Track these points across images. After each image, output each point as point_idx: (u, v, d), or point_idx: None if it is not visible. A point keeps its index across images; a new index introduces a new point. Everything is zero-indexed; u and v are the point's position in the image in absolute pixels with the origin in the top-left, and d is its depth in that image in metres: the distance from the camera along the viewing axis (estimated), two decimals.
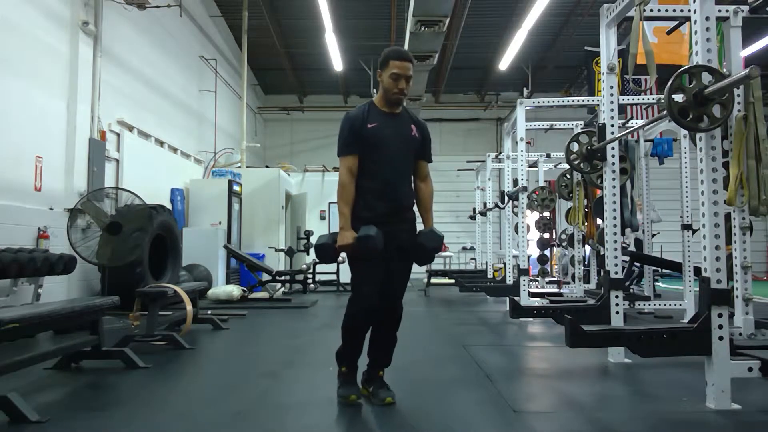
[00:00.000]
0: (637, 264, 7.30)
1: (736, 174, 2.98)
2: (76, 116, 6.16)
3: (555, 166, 9.26)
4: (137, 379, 3.27)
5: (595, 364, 3.65)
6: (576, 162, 4.74)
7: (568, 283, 8.36)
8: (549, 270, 9.57)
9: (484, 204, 9.84)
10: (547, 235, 9.29)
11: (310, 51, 12.86)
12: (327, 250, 2.71)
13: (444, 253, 13.19)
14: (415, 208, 2.87)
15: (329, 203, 11.85)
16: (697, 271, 3.01)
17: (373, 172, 2.70)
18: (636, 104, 8.03)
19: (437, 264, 13.33)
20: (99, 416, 2.57)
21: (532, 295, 6.38)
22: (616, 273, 3.68)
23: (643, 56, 3.27)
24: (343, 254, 2.70)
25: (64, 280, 5.70)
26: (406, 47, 7.92)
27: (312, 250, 10.22)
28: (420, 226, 2.82)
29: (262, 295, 7.94)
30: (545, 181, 9.06)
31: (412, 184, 2.87)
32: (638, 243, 7.39)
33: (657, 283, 10.05)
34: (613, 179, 3.74)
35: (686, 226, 5.55)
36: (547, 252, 9.44)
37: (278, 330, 5.45)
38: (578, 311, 3.86)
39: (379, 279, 2.67)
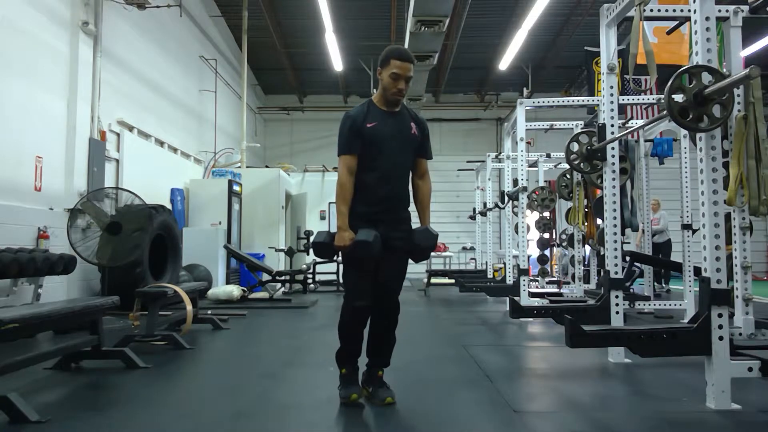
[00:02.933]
0: (637, 265, 7.30)
1: (736, 174, 2.98)
2: (76, 116, 6.17)
3: (555, 166, 9.25)
4: (137, 379, 3.27)
5: (595, 364, 3.65)
6: (576, 162, 4.74)
7: (568, 283, 8.36)
8: (549, 270, 9.56)
9: (484, 204, 9.83)
10: (547, 235, 9.28)
11: (310, 51, 12.85)
12: (324, 249, 2.73)
13: (444, 253, 13.19)
14: (412, 207, 2.87)
15: (329, 203, 11.85)
16: (697, 271, 3.01)
17: (372, 169, 2.71)
18: (636, 104, 8.03)
19: (437, 264, 13.33)
20: (99, 416, 2.57)
21: (532, 295, 6.38)
22: (616, 273, 3.68)
23: (643, 56, 3.27)
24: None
25: (64, 280, 5.70)
26: (406, 47, 7.92)
27: (312, 250, 10.24)
28: (416, 224, 2.82)
29: (262, 295, 7.94)
30: (545, 181, 9.06)
31: (410, 183, 2.88)
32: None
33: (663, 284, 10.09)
34: (613, 179, 3.74)
35: (686, 226, 5.55)
36: (547, 252, 9.43)
37: (278, 330, 5.45)
38: (578, 311, 3.86)
39: (372, 278, 2.69)
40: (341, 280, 2.78)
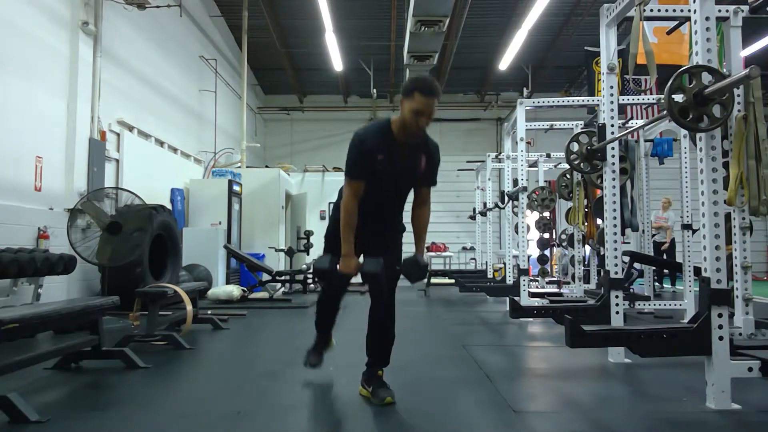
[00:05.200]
0: (636, 266, 7.31)
1: (736, 174, 2.98)
2: (76, 116, 6.16)
3: (555, 166, 9.26)
4: (137, 379, 3.27)
5: (595, 364, 3.65)
6: (576, 162, 4.74)
7: (568, 283, 8.36)
8: (549, 270, 9.56)
9: (484, 204, 9.83)
10: (547, 235, 9.29)
11: (310, 51, 12.85)
12: (327, 275, 2.70)
13: (444, 253, 13.19)
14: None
15: (329, 203, 11.85)
16: (697, 271, 3.01)
17: (367, 197, 2.68)
18: (636, 104, 8.04)
19: (437, 264, 13.33)
20: (99, 416, 2.57)
21: (532, 295, 6.38)
22: (616, 273, 3.68)
23: (643, 56, 3.27)
24: None
25: (64, 280, 5.70)
26: (406, 47, 7.91)
27: (312, 250, 10.27)
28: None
29: (262, 295, 7.94)
30: (545, 181, 9.06)
31: (411, 208, 2.87)
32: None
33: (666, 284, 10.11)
34: (613, 179, 3.74)
35: (686, 226, 5.55)
36: (547, 252, 9.44)
37: (278, 330, 5.45)
38: (578, 311, 3.86)
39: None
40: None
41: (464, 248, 15.18)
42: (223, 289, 7.47)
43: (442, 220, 14.22)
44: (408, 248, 2.76)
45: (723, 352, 2.58)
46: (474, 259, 13.81)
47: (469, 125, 16.25)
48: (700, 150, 2.66)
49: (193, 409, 2.73)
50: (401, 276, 2.77)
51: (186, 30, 9.74)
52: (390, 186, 2.73)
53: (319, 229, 10.49)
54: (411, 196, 2.90)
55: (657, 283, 8.80)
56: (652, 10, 3.55)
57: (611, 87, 3.80)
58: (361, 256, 2.75)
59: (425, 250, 2.91)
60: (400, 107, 2.60)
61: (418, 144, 2.71)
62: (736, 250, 3.76)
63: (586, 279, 7.89)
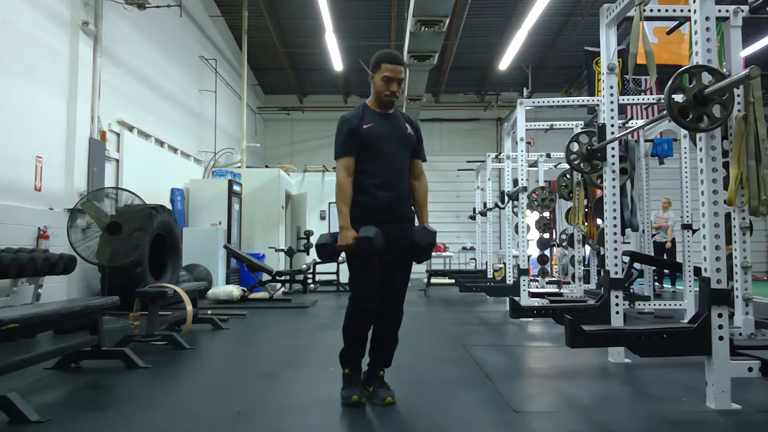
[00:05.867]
0: (636, 266, 7.30)
1: (736, 174, 2.98)
2: (76, 116, 6.16)
3: (555, 166, 9.26)
4: (137, 379, 3.27)
5: (595, 364, 3.65)
6: (576, 162, 4.74)
7: (568, 283, 8.36)
8: (549, 270, 9.56)
9: (484, 204, 9.84)
10: (547, 235, 9.28)
11: (310, 51, 12.86)
12: (328, 250, 2.74)
13: (444, 253, 13.18)
14: None
15: (329, 203, 11.85)
16: (697, 271, 3.01)
17: (373, 170, 2.73)
18: (636, 104, 8.03)
19: (437, 264, 13.32)
20: (99, 416, 2.57)
21: (532, 295, 6.38)
22: (616, 273, 3.68)
23: (643, 56, 3.27)
24: (344, 254, 2.72)
25: (64, 280, 5.70)
26: (406, 47, 7.90)
27: (312, 250, 10.27)
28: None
29: (262, 295, 7.94)
30: (545, 181, 9.06)
31: (409, 183, 2.88)
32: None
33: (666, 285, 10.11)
34: (613, 179, 3.74)
35: (686, 226, 5.55)
36: (547, 252, 9.44)
37: (278, 330, 5.45)
38: (578, 311, 3.86)
39: (377, 279, 2.67)
40: (346, 281, 2.79)
41: (464, 248, 15.19)
42: (223, 289, 7.48)
43: (442, 220, 14.21)
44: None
45: (723, 352, 2.58)
46: (474, 259, 13.81)
47: (469, 125, 16.25)
48: (700, 150, 2.66)
49: (193, 409, 2.73)
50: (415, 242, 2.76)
51: (186, 30, 9.74)
52: (387, 151, 2.74)
53: (319, 229, 10.49)
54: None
55: (657, 283, 8.80)
56: (652, 10, 3.55)
57: (611, 87, 3.80)
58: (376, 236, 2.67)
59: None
60: (372, 83, 2.78)
61: (398, 115, 2.87)
62: (736, 250, 3.76)
63: (586, 279, 7.88)
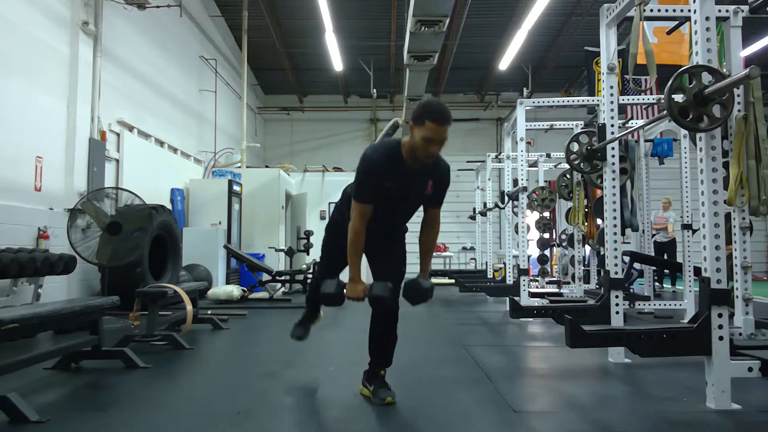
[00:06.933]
0: (636, 266, 7.30)
1: (736, 174, 2.98)
2: (76, 116, 6.16)
3: (555, 166, 9.26)
4: (137, 379, 3.27)
5: (595, 364, 3.65)
6: (576, 162, 4.74)
7: (568, 283, 8.36)
8: (549, 270, 9.56)
9: (484, 204, 9.84)
10: (547, 235, 9.29)
11: (310, 51, 12.85)
12: (335, 299, 2.69)
13: (444, 253, 13.18)
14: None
15: (329, 203, 11.84)
16: (697, 271, 3.01)
17: (373, 216, 2.66)
18: (636, 104, 8.04)
19: (437, 264, 13.32)
20: (99, 416, 2.57)
21: (532, 295, 6.38)
22: (616, 273, 3.68)
23: (643, 56, 3.27)
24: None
25: (64, 280, 5.70)
26: (406, 47, 7.90)
27: (312, 250, 10.27)
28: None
29: (262, 295, 7.94)
30: (545, 181, 9.06)
31: (420, 228, 2.85)
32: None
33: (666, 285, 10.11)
34: (613, 179, 3.74)
35: (686, 226, 5.55)
36: (547, 252, 9.44)
37: (278, 330, 5.43)
38: (578, 311, 3.86)
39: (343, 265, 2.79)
40: (346, 280, 2.79)
41: (464, 248, 15.19)
42: (223, 289, 7.48)
43: (442, 220, 14.14)
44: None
45: (723, 352, 2.58)
46: (474, 259, 13.81)
47: (469, 125, 16.24)
48: (700, 150, 2.66)
49: (193, 409, 2.73)
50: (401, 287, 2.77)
51: (186, 30, 9.74)
52: (395, 206, 2.72)
53: (319, 230, 10.47)
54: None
55: (657, 283, 8.80)
56: (652, 10, 3.55)
57: (611, 87, 3.79)
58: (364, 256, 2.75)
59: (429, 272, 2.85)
60: (410, 132, 2.50)
61: (428, 166, 2.62)
62: (736, 250, 3.76)
63: (586, 279, 7.89)
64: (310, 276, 9.39)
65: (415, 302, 2.69)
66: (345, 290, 2.65)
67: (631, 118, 7.68)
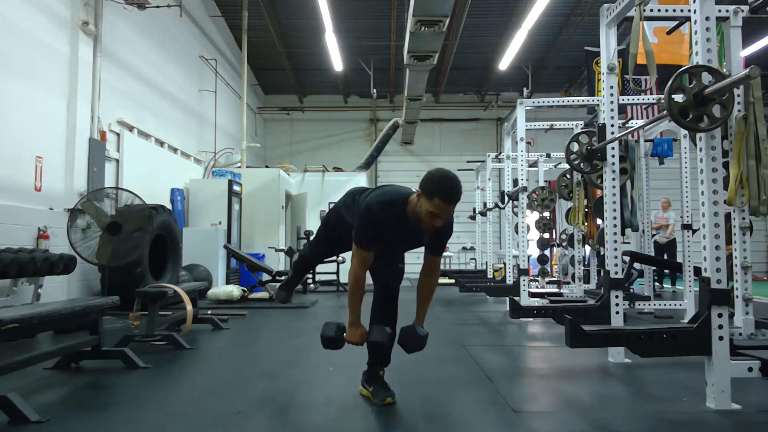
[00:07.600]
0: (636, 266, 7.30)
1: (736, 174, 2.98)
2: (76, 116, 6.16)
3: (555, 166, 9.25)
4: (137, 379, 3.27)
5: (595, 364, 3.65)
6: (576, 162, 4.74)
7: (568, 283, 8.36)
8: (549, 270, 9.56)
9: (484, 204, 9.83)
10: (547, 235, 9.29)
11: (310, 51, 12.86)
12: (334, 342, 2.70)
13: (444, 253, 13.18)
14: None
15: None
16: (697, 271, 3.01)
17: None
18: (636, 104, 8.04)
19: None
20: (99, 416, 2.57)
21: (532, 295, 6.38)
22: (616, 273, 3.68)
23: (643, 56, 3.27)
24: None
25: (64, 280, 5.70)
26: (406, 47, 7.89)
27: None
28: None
29: (262, 295, 7.94)
30: (545, 181, 9.06)
31: (419, 275, 2.83)
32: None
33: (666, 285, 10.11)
34: (613, 179, 3.74)
35: (686, 226, 5.55)
36: (547, 252, 9.44)
37: (278, 330, 5.45)
38: (578, 311, 3.86)
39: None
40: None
41: (464, 248, 15.20)
42: (223, 289, 7.47)
43: None
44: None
45: (723, 352, 2.58)
46: (474, 259, 13.82)
47: (469, 125, 16.25)
48: (700, 150, 2.66)
49: (193, 409, 2.73)
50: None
51: (186, 30, 9.74)
52: (396, 245, 2.78)
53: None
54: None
55: (657, 283, 8.80)
56: (652, 10, 3.55)
57: (611, 87, 3.79)
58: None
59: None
60: (418, 199, 2.46)
61: None
62: (736, 250, 3.76)
63: (586, 279, 7.88)
64: (310, 276, 9.43)
65: (410, 350, 2.66)
66: (344, 334, 2.66)
67: (631, 118, 7.68)
